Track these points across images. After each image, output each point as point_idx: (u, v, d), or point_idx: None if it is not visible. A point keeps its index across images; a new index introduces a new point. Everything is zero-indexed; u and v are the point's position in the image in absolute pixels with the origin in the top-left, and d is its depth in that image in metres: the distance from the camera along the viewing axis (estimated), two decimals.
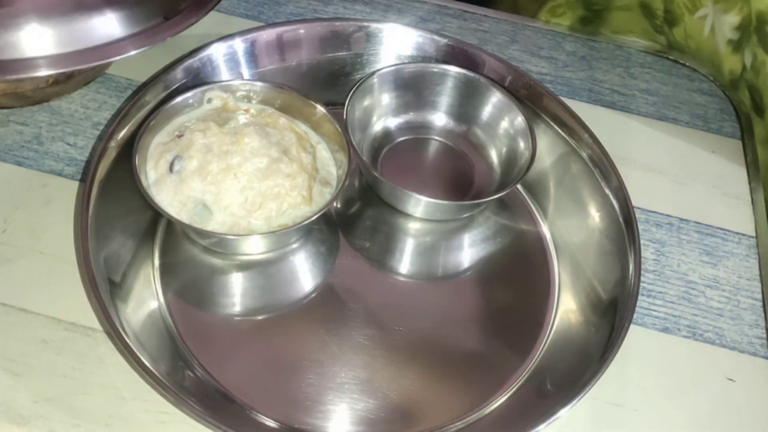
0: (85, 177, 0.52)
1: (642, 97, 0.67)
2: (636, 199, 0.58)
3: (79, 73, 0.55)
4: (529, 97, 0.58)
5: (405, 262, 0.54)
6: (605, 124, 0.64)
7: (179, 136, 0.51)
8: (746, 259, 0.57)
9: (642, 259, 0.50)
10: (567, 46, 0.70)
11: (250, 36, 0.58)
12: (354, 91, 0.55)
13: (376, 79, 0.57)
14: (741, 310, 0.54)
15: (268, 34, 0.58)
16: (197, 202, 0.49)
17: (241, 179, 0.50)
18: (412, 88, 0.59)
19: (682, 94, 0.68)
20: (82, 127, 0.58)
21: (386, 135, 0.59)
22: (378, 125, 0.59)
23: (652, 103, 0.67)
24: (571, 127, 0.56)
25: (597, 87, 0.67)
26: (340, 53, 0.60)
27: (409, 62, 0.60)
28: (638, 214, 0.58)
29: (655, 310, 0.53)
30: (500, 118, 0.58)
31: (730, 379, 0.51)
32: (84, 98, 0.59)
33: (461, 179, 0.58)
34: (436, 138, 0.60)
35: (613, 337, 0.46)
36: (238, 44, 0.57)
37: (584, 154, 0.55)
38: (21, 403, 0.44)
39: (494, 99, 0.58)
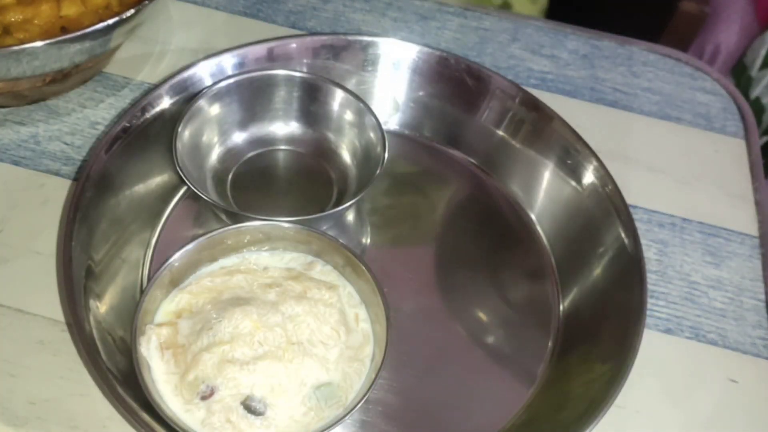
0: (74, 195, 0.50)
1: (644, 96, 0.67)
2: (638, 199, 0.58)
3: (76, 72, 0.55)
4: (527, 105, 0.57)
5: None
6: (607, 123, 0.64)
7: (205, 397, 0.42)
8: (750, 260, 0.57)
9: (645, 260, 0.50)
10: (569, 45, 0.70)
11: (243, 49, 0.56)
12: (182, 120, 0.51)
13: (203, 101, 0.52)
14: (744, 311, 0.54)
15: (259, 50, 0.57)
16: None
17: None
18: (247, 102, 0.55)
19: (685, 92, 0.68)
20: (79, 126, 0.57)
21: (231, 157, 0.55)
22: (216, 151, 0.55)
23: (655, 102, 0.67)
24: (577, 151, 0.55)
25: (599, 86, 0.67)
26: (335, 68, 0.58)
27: (236, 74, 0.55)
28: (641, 214, 0.58)
29: (657, 311, 0.53)
30: (347, 116, 0.55)
31: (733, 381, 0.50)
32: (81, 97, 0.59)
33: (322, 185, 0.55)
34: (286, 148, 0.57)
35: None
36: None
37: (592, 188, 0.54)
38: (18, 405, 0.43)
39: (339, 99, 0.55)
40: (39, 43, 0.48)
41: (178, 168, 0.49)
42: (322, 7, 0.69)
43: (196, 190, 0.48)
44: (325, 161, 0.57)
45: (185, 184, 0.49)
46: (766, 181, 0.63)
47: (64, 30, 0.53)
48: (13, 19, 0.52)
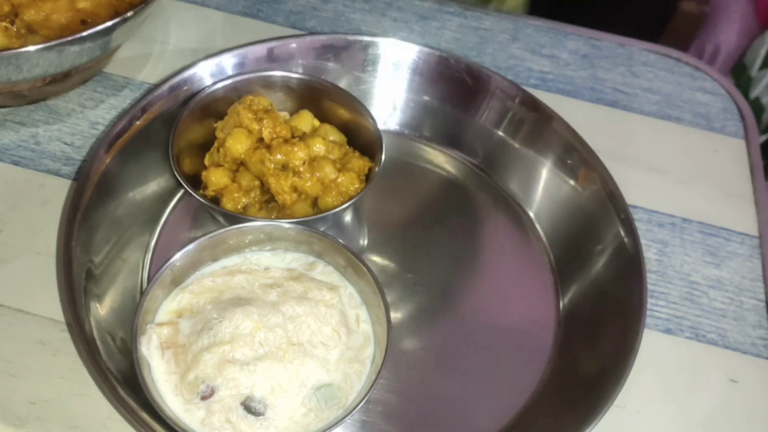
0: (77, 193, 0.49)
1: (644, 96, 0.67)
2: (638, 199, 0.58)
3: (76, 72, 0.55)
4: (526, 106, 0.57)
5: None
6: (607, 123, 0.64)
7: (205, 397, 0.42)
8: (749, 260, 0.57)
9: (645, 259, 0.50)
10: (569, 45, 0.70)
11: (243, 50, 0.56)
12: (179, 122, 0.51)
13: (201, 102, 0.52)
14: (744, 311, 0.54)
15: (259, 50, 0.57)
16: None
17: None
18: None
19: (685, 92, 0.68)
20: (79, 126, 0.57)
21: None
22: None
23: (655, 102, 0.67)
24: (579, 152, 0.55)
25: (599, 86, 0.67)
26: (335, 68, 0.58)
27: (233, 75, 0.54)
28: (641, 214, 0.58)
29: (657, 311, 0.53)
30: (344, 117, 0.54)
31: (733, 381, 0.50)
32: (81, 97, 0.59)
33: None
34: None
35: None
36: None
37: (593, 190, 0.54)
38: (18, 405, 0.44)
39: (336, 99, 0.54)
40: (40, 46, 0.48)
41: (174, 171, 0.49)
42: (322, 7, 0.69)
43: (192, 192, 0.48)
44: None
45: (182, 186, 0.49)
46: (766, 181, 0.63)
47: (83, 23, 0.53)
48: (35, 18, 0.53)
